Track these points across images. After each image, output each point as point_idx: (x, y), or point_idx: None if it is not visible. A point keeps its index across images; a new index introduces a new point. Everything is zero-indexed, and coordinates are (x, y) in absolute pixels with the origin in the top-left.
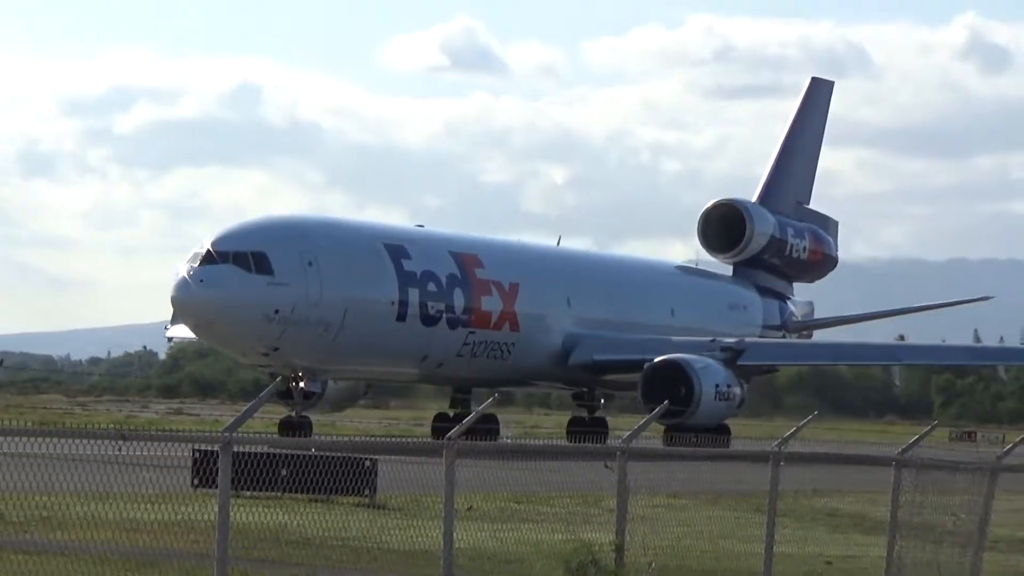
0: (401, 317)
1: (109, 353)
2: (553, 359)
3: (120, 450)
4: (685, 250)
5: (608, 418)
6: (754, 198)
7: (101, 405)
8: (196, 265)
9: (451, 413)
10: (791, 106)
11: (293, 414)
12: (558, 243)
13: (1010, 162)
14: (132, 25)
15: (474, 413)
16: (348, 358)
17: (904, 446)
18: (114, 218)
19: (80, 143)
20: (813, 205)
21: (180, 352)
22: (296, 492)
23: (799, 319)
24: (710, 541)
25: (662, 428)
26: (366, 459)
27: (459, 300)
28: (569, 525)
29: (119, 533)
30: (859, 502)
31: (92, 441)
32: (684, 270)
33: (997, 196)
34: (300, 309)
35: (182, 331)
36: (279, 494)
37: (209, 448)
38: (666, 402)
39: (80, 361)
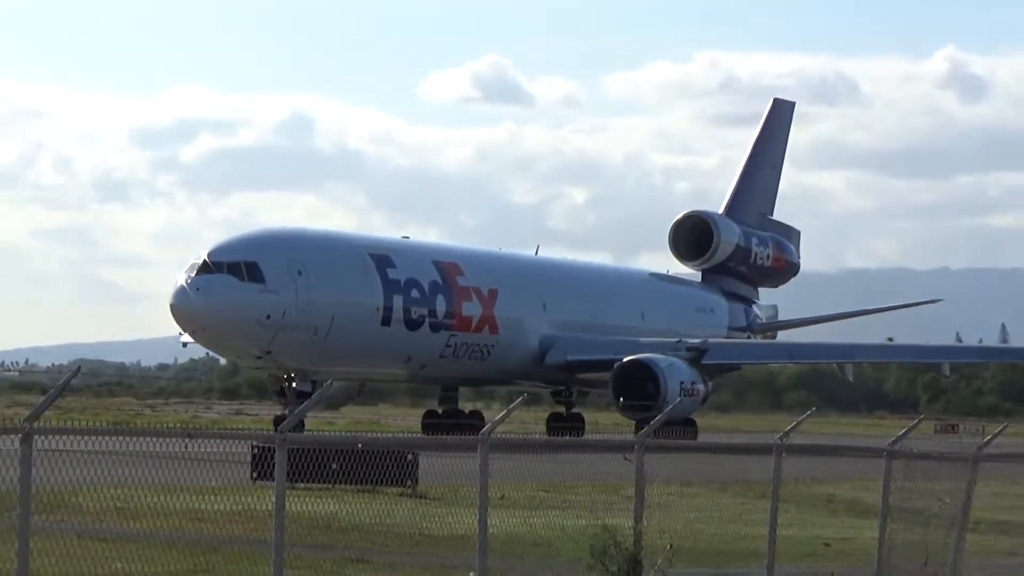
0: (386, 322)
1: (176, 359)
2: (530, 359)
3: (186, 447)
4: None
5: (584, 414)
6: (721, 210)
7: (169, 407)
8: (193, 275)
9: (439, 410)
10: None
11: (286, 412)
12: (536, 252)
13: (987, 180)
14: (193, 65)
15: (506, 411)
16: (336, 360)
17: (894, 438)
18: (180, 237)
19: (150, 171)
20: (808, 219)
21: None
22: (345, 483)
23: (763, 321)
24: (719, 525)
25: (633, 423)
26: (408, 453)
27: (441, 305)
28: (592, 511)
29: (185, 522)
30: (853, 489)
31: (161, 439)
32: (656, 276)
33: (976, 211)
34: (290, 315)
35: None
36: (330, 485)
37: (266, 445)
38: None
39: (150, 367)
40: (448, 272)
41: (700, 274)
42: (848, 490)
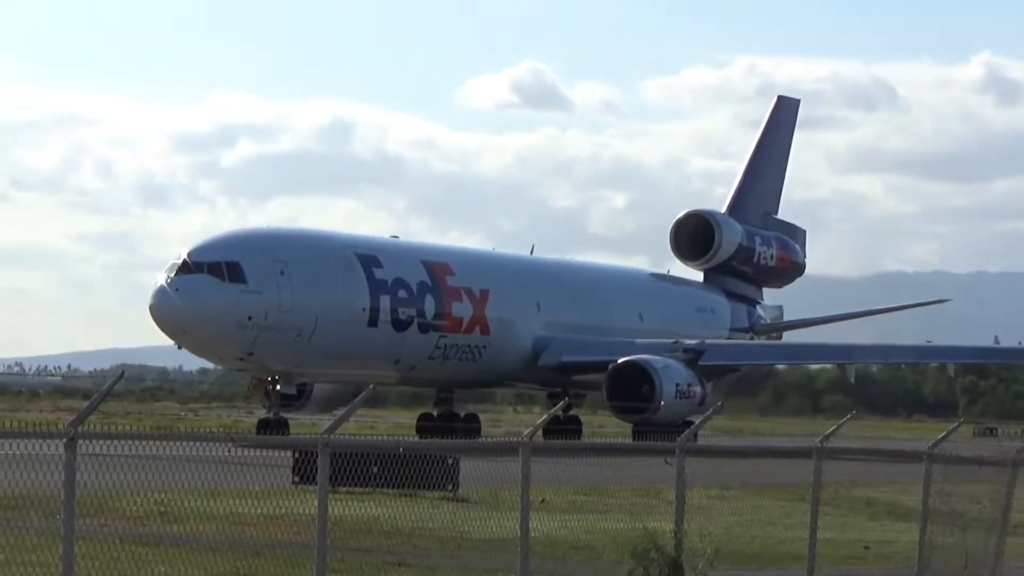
0: (373, 323)
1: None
2: (523, 361)
3: (229, 451)
4: None
5: (583, 416)
6: (724, 209)
7: (211, 411)
8: (173, 275)
9: (435, 413)
10: (823, 135)
11: (270, 414)
12: (531, 252)
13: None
14: (234, 71)
15: (547, 414)
16: (321, 362)
17: (933, 441)
18: None
19: (191, 176)
20: (846, 223)
21: None
22: (386, 487)
23: (767, 322)
24: (759, 528)
25: (630, 426)
26: (449, 457)
27: (430, 306)
28: (632, 515)
29: (228, 526)
30: (893, 492)
31: (203, 444)
32: (655, 276)
33: (1012, 215)
34: (272, 316)
35: None
36: (371, 489)
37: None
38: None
39: (191, 372)
40: (437, 272)
41: (702, 274)
42: (887, 493)
